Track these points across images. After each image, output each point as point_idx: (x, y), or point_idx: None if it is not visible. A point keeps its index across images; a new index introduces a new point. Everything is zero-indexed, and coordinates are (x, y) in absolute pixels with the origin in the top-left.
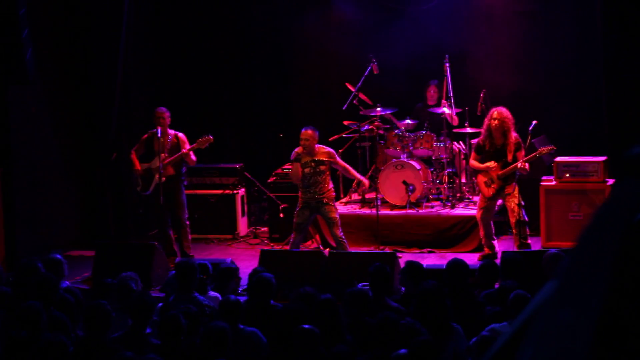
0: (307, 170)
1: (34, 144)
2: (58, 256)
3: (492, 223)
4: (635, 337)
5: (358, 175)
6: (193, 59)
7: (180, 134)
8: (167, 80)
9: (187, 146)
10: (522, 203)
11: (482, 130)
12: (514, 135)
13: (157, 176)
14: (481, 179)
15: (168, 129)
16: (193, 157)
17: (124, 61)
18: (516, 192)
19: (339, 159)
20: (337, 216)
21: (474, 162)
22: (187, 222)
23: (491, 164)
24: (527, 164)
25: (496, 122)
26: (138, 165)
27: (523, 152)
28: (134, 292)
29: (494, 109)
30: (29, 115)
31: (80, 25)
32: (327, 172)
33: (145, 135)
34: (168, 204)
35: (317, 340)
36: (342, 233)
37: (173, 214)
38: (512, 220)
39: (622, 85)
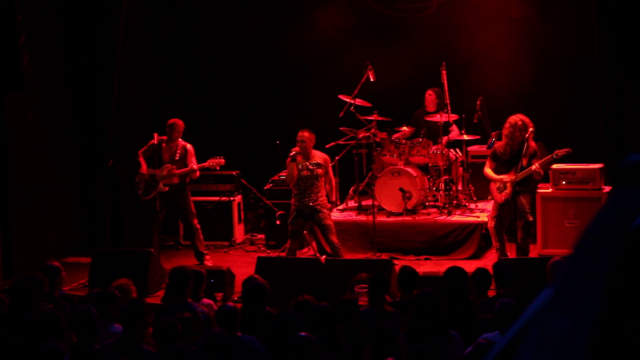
0: (304, 173)
1: (31, 150)
2: (55, 264)
3: (504, 235)
4: (631, 345)
5: (333, 195)
6: (190, 66)
7: (189, 146)
8: (164, 87)
9: (194, 159)
10: (531, 219)
11: (503, 137)
12: (531, 143)
13: (161, 184)
14: (493, 185)
15: (179, 139)
16: (196, 175)
17: (120, 68)
18: (528, 204)
19: (331, 170)
20: (332, 223)
21: (488, 171)
22: (198, 226)
23: (505, 177)
24: (541, 169)
25: (508, 130)
26: (145, 169)
27: (537, 159)
28: (121, 301)
29: (510, 117)
30: (26, 122)
31: (77, 32)
32: (323, 178)
33: (154, 141)
34: (176, 213)
35: (314, 348)
36: (337, 240)
37: (184, 221)
38: (518, 230)
39: (619, 92)
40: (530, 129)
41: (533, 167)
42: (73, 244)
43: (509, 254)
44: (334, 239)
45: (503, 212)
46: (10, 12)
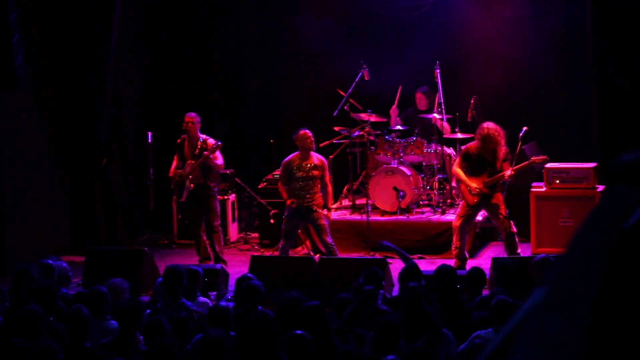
0: (299, 174)
1: (24, 149)
2: (51, 262)
3: (467, 236)
4: (624, 344)
5: (330, 202)
6: (184, 65)
7: (210, 139)
8: (157, 86)
9: (218, 153)
10: (508, 213)
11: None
12: (503, 148)
13: (187, 182)
14: (464, 186)
15: (199, 134)
16: (217, 162)
17: (114, 66)
18: (501, 202)
19: (327, 173)
20: (326, 223)
21: (457, 170)
22: (220, 228)
23: (474, 184)
24: (514, 175)
25: (477, 140)
26: (171, 172)
27: (508, 163)
28: (123, 299)
29: (482, 124)
30: (20, 121)
31: (71, 31)
32: (318, 180)
33: (178, 140)
34: (201, 210)
35: (309, 346)
36: (331, 239)
37: (206, 219)
38: (501, 230)
39: (612, 91)
40: (502, 135)
41: (507, 173)
42: (67, 242)
43: (467, 255)
44: (328, 239)
45: (471, 212)
46: (5, 10)
